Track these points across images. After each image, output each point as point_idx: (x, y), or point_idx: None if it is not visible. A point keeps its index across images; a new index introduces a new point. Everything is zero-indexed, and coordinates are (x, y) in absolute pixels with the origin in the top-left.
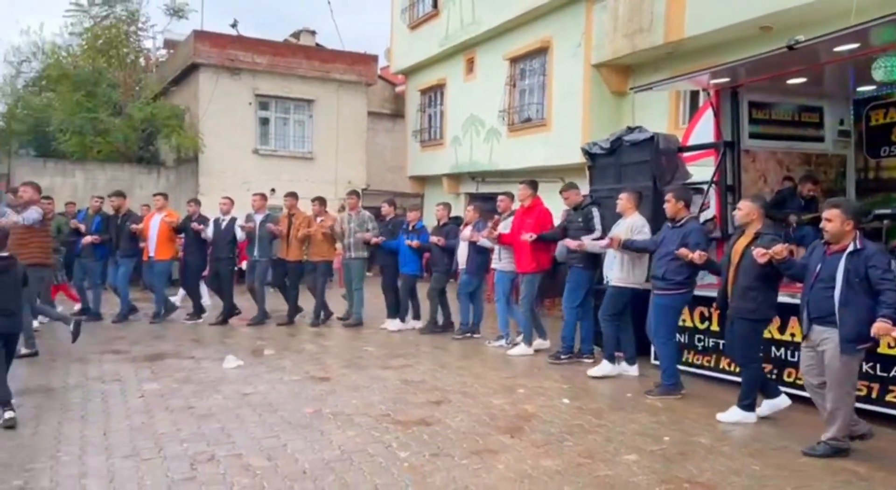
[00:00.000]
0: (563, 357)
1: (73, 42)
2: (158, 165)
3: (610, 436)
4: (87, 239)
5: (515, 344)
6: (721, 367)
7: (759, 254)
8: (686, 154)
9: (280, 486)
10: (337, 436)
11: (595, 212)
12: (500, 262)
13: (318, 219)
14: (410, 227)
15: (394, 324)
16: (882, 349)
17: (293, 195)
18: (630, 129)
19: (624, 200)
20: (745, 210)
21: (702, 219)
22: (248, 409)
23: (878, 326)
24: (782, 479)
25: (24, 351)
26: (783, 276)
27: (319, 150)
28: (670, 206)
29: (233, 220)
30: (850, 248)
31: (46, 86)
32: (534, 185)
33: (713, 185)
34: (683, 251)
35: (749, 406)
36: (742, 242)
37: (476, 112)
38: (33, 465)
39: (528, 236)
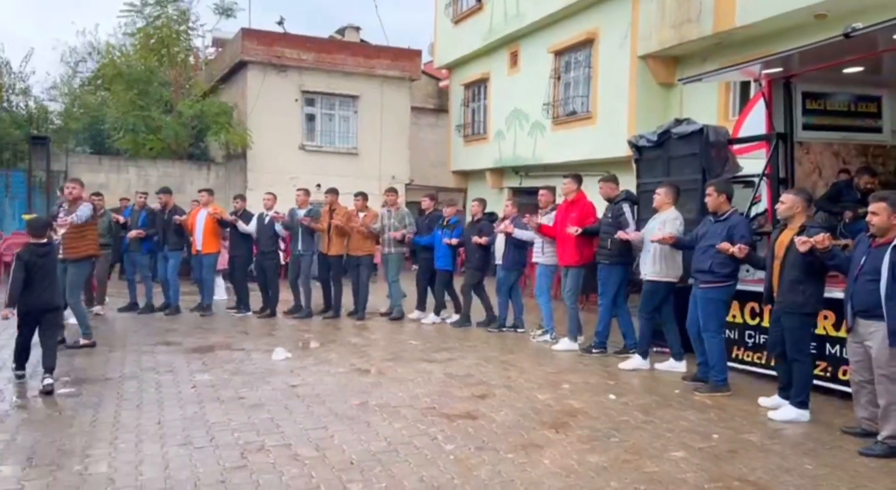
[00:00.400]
0: (594, 351)
1: (126, 42)
2: (208, 162)
3: (657, 432)
4: (133, 233)
5: (558, 339)
6: (772, 363)
7: (801, 241)
8: (736, 146)
9: (328, 477)
10: (383, 428)
11: (626, 207)
12: (543, 255)
13: (361, 214)
14: (445, 222)
15: (431, 318)
16: None
17: (334, 191)
18: (678, 122)
19: (662, 195)
20: (788, 203)
21: (753, 213)
22: (296, 401)
23: None
24: (837, 479)
25: (82, 341)
26: (828, 268)
27: (364, 145)
28: (712, 199)
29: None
30: None
31: (101, 85)
32: (579, 179)
33: (765, 179)
34: (725, 245)
35: (803, 403)
36: (787, 235)
37: (520, 106)
38: (92, 451)
39: (573, 230)
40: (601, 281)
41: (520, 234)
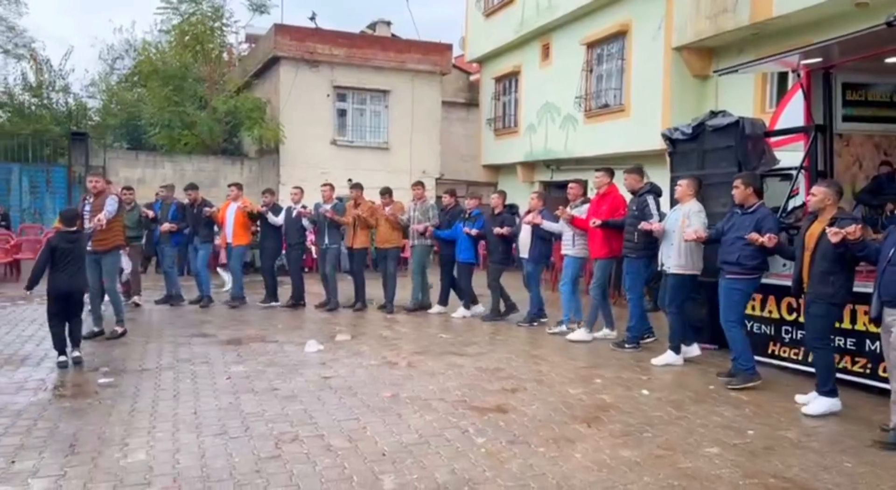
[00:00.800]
0: (627, 346)
1: (161, 39)
2: (241, 157)
3: (691, 428)
4: (165, 227)
5: (574, 329)
6: (809, 360)
7: (832, 232)
8: (773, 139)
9: (360, 468)
10: (415, 420)
11: (650, 199)
12: (574, 247)
13: (387, 208)
14: (467, 215)
15: (460, 312)
16: None
17: (358, 186)
18: (713, 114)
19: (684, 187)
20: (819, 195)
21: (791, 206)
22: (328, 392)
23: None
24: (876, 477)
25: (118, 330)
26: (858, 259)
27: (395, 140)
28: (739, 192)
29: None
30: None
31: (138, 82)
32: (611, 173)
33: (803, 171)
34: (754, 235)
35: (832, 391)
36: (817, 227)
37: (552, 99)
38: (131, 439)
39: (594, 222)
40: (628, 275)
41: (548, 225)
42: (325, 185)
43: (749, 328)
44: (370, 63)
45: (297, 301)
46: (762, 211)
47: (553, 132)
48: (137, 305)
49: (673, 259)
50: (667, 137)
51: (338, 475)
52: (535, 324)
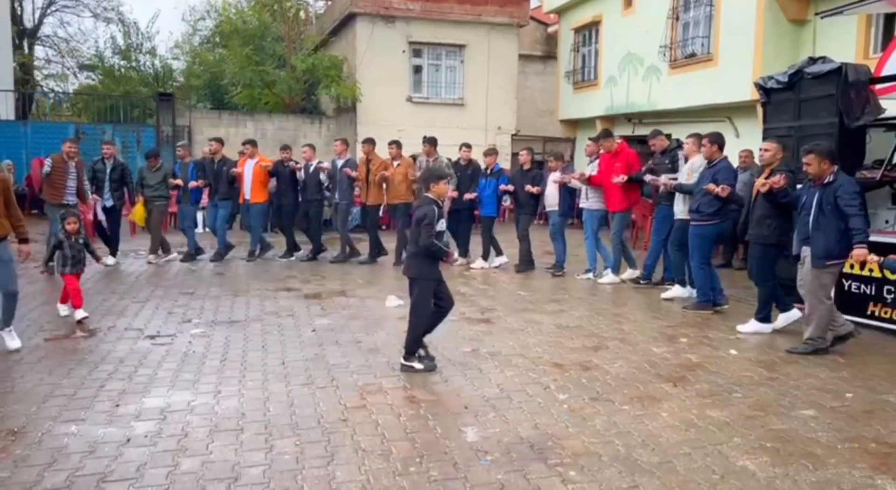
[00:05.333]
0: (642, 282)
1: None
2: (320, 115)
3: (783, 390)
4: (192, 184)
5: (604, 275)
6: None
7: (760, 183)
8: (879, 86)
9: (444, 420)
10: (495, 375)
11: (680, 154)
12: (588, 201)
13: (395, 163)
14: (489, 171)
15: (478, 263)
16: None
17: (370, 141)
18: (812, 60)
19: (689, 144)
20: (771, 151)
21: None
22: None
23: None
24: None
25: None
26: (790, 206)
27: (470, 96)
28: (707, 149)
29: (318, 164)
30: None
31: (219, 42)
32: (608, 134)
33: None
34: (711, 186)
35: (765, 319)
36: (760, 179)
37: (634, 49)
38: (223, 387)
39: (619, 179)
40: (657, 221)
41: (574, 183)
42: (337, 139)
43: (847, 288)
44: (446, 17)
45: (315, 253)
46: (721, 164)
47: (635, 84)
48: (150, 263)
49: (679, 207)
50: (760, 87)
51: (422, 426)
52: (561, 273)
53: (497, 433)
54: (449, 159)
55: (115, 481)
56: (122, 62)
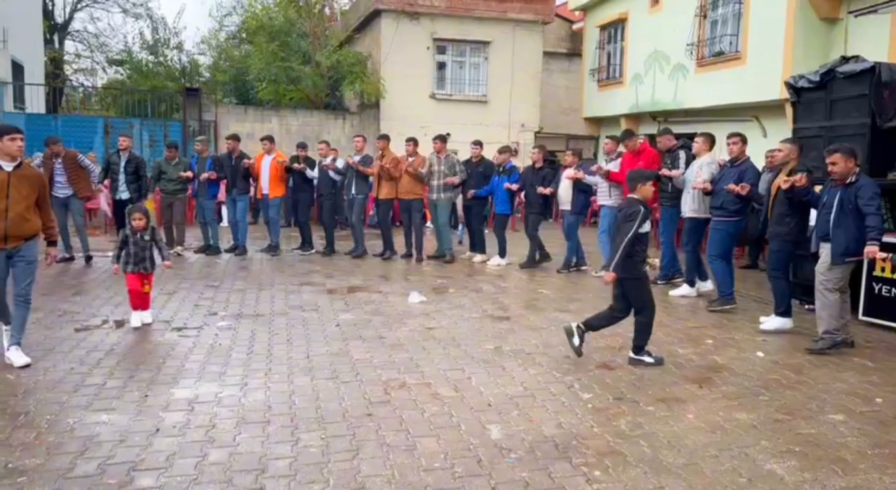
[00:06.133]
0: (659, 282)
1: None
2: (344, 111)
3: (812, 393)
4: (204, 175)
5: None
6: None
7: (783, 180)
8: None
9: (467, 416)
10: (519, 373)
11: (681, 153)
12: (610, 198)
13: (410, 159)
14: (501, 169)
15: (494, 260)
16: None
17: (385, 137)
18: (844, 60)
19: (700, 143)
20: (785, 151)
21: None
22: (433, 342)
23: None
24: None
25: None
26: (810, 205)
27: (493, 93)
28: (736, 148)
29: (333, 161)
30: None
31: (245, 38)
32: (630, 134)
33: None
34: (731, 186)
35: (785, 312)
36: (782, 176)
37: (660, 47)
38: (249, 380)
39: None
40: (662, 222)
41: (589, 179)
42: (356, 136)
43: (877, 291)
44: (471, 13)
45: (330, 248)
46: (747, 163)
47: (661, 82)
48: (178, 255)
49: (688, 205)
50: (791, 86)
51: (446, 422)
52: (572, 270)
53: (521, 431)
54: (457, 156)
55: (146, 470)
56: (149, 57)
